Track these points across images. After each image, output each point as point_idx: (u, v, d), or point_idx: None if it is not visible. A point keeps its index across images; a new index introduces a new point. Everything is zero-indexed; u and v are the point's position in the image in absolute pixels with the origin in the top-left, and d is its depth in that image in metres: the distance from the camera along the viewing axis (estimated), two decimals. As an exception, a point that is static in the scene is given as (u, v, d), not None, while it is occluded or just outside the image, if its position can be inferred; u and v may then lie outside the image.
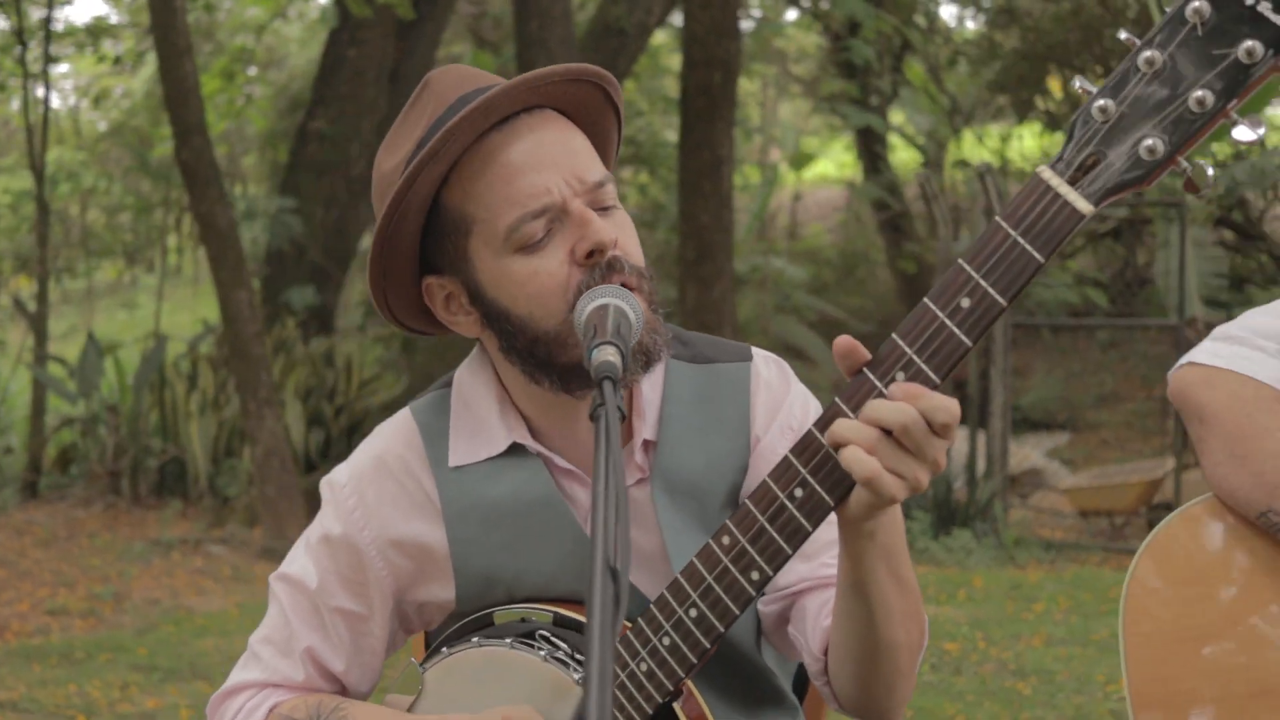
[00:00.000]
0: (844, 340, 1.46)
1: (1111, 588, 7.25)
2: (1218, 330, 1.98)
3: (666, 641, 1.62)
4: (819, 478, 1.49)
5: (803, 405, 1.86)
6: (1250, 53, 1.29)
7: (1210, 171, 1.34)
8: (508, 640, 1.78)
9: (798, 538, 1.52)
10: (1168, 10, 1.34)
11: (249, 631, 2.01)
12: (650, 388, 1.82)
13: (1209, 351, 1.95)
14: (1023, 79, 19.03)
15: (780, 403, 1.85)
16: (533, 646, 1.76)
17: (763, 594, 1.69)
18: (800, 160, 18.57)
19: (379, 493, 1.85)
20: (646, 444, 1.82)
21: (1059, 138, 19.82)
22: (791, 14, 17.95)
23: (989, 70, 19.11)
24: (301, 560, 1.89)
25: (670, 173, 14.43)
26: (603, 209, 1.70)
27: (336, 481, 1.87)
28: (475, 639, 1.81)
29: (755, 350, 1.88)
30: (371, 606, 1.87)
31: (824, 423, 1.49)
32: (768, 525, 1.53)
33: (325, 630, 1.87)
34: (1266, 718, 1.85)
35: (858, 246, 19.29)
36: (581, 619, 1.76)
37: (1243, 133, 1.33)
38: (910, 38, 17.24)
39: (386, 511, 1.84)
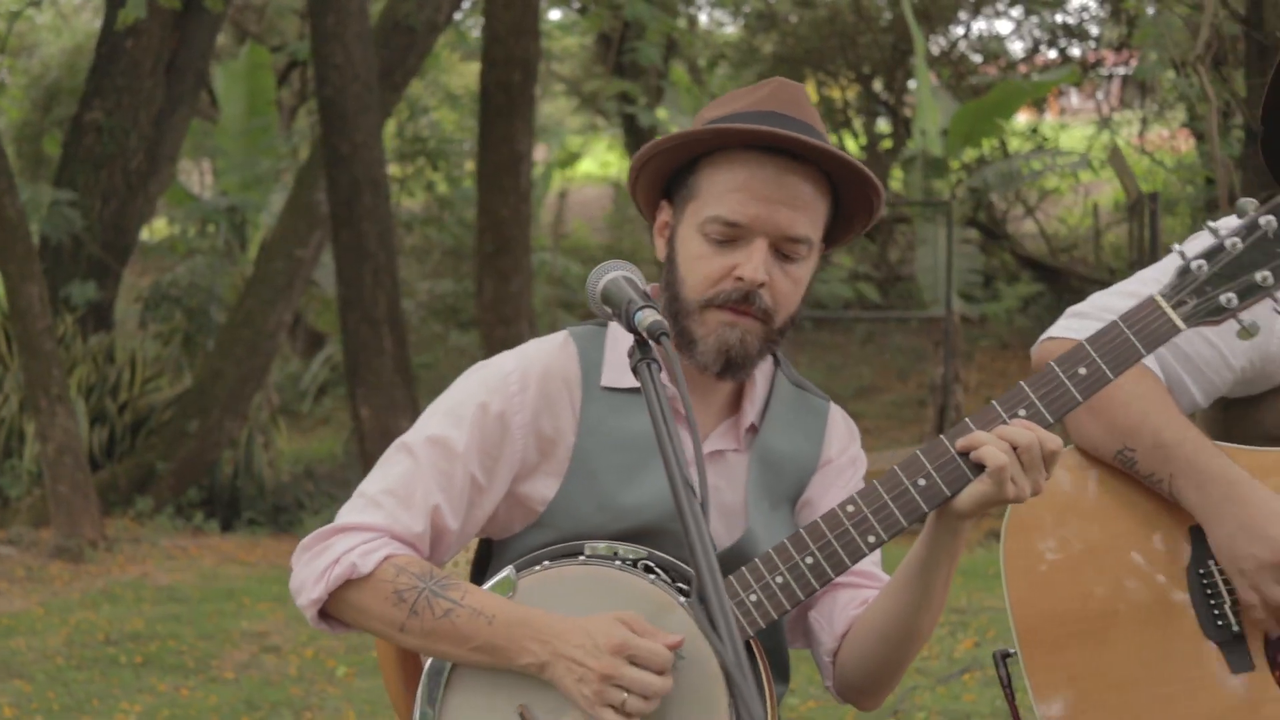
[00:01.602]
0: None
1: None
2: (1070, 310, 2.32)
3: (780, 580, 1.97)
4: (942, 474, 1.95)
5: (862, 460, 2.25)
6: None
7: (1254, 327, 1.98)
8: (615, 562, 2.02)
9: (913, 515, 1.96)
10: (1251, 215, 1.98)
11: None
12: (762, 383, 2.16)
13: (1064, 326, 2.28)
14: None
15: (849, 443, 2.24)
16: (636, 570, 2.01)
17: (871, 553, 2.01)
18: (566, 159, 18.86)
19: (539, 390, 2.09)
20: (751, 427, 2.15)
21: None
22: (555, 14, 18.22)
23: (749, 73, 19.70)
24: (446, 425, 2.08)
25: (457, 169, 14.55)
26: (786, 259, 2.04)
27: (504, 368, 2.12)
28: (580, 557, 2.03)
29: (833, 404, 2.25)
30: (493, 482, 2.08)
31: (954, 435, 1.96)
32: (890, 502, 1.96)
33: (454, 491, 2.07)
34: (1133, 634, 2.17)
35: (625, 245, 19.66)
36: (673, 560, 2.02)
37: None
38: (679, 39, 17.69)
39: (540, 405, 2.09)
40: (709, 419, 2.14)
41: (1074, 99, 24.21)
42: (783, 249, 2.02)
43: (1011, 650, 2.22)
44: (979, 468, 1.92)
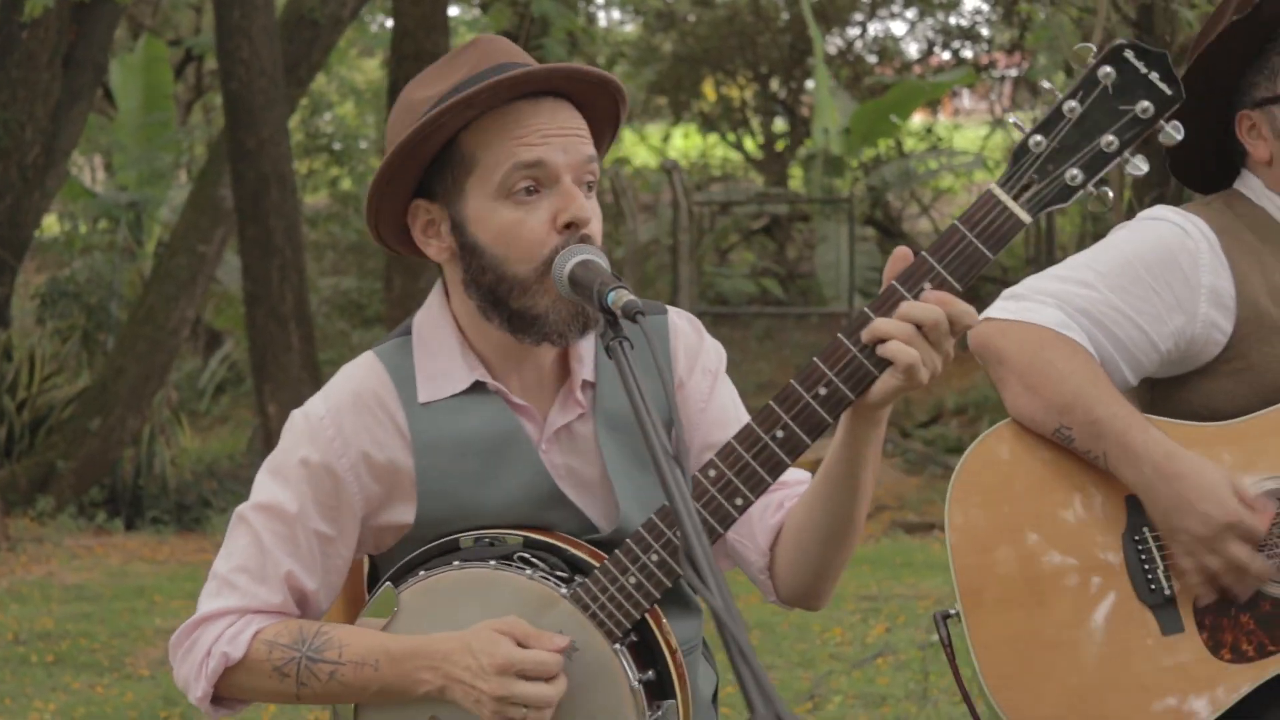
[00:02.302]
0: (903, 249, 1.83)
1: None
2: (1006, 292, 2.43)
3: (655, 558, 1.88)
4: (842, 376, 1.80)
5: (717, 352, 2.14)
6: (1145, 110, 1.75)
7: (1111, 195, 1.79)
8: (490, 561, 1.96)
9: (818, 429, 1.83)
10: (1087, 66, 1.77)
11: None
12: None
13: (1000, 308, 2.39)
14: (680, 82, 19.85)
15: (698, 350, 2.13)
16: (512, 566, 1.95)
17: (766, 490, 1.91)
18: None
19: (355, 424, 2.01)
20: (585, 384, 2.06)
21: (713, 139, 20.78)
22: (453, 9, 18.16)
23: (648, 72, 19.79)
24: (273, 489, 2.02)
25: (362, 164, 14.47)
26: (586, 185, 1.96)
27: (313, 414, 2.03)
28: (455, 561, 1.97)
29: (669, 307, 2.18)
30: (342, 529, 2.02)
31: (852, 329, 1.81)
32: (791, 421, 1.82)
33: (301, 554, 2.01)
34: (1071, 597, 2.26)
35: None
36: (553, 541, 2.00)
37: (1134, 168, 1.77)
38: (579, 38, 17.75)
39: (363, 441, 2.00)
40: (545, 395, 2.07)
41: (966, 100, 24.65)
42: (583, 178, 1.95)
43: (952, 611, 2.31)
44: (886, 361, 1.79)
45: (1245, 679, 2.22)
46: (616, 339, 1.75)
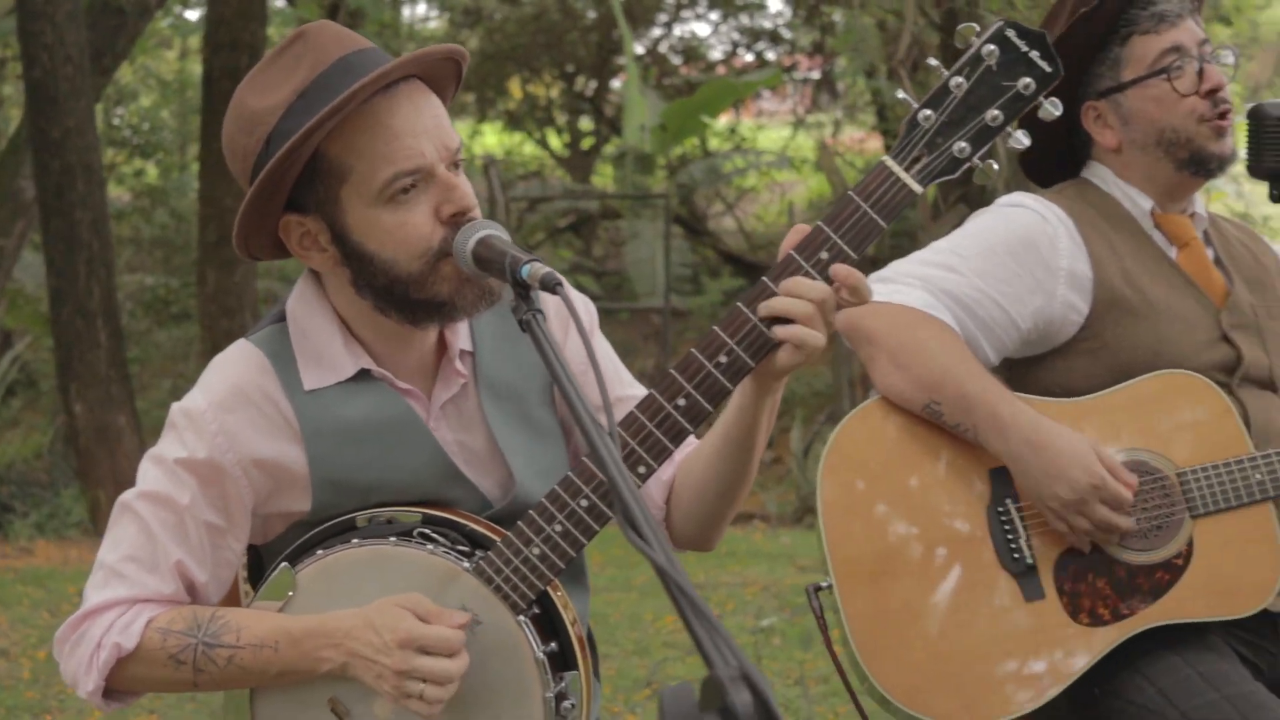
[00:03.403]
0: (801, 225, 1.89)
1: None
2: (873, 275, 2.52)
3: (559, 528, 1.91)
4: (743, 345, 1.86)
5: (585, 305, 2.14)
6: (1027, 86, 1.85)
7: (996, 168, 1.88)
8: (390, 538, 1.96)
9: (720, 396, 1.88)
10: (972, 44, 1.86)
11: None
12: None
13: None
14: (486, 79, 19.76)
15: (569, 315, 2.17)
16: (412, 542, 1.96)
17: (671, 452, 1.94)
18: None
19: (240, 418, 1.98)
20: (464, 354, 2.08)
21: (519, 136, 20.75)
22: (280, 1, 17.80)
23: (453, 68, 19.63)
24: (160, 479, 1.99)
25: (169, 156, 14.05)
26: (456, 169, 1.96)
27: (195, 409, 1.99)
28: (354, 539, 1.97)
29: None
30: (232, 520, 2.01)
31: (751, 298, 1.87)
32: (693, 390, 1.87)
33: (191, 544, 1.98)
34: (938, 567, 2.36)
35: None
36: (452, 517, 2.02)
37: (1016, 142, 1.87)
38: (385, 32, 17.55)
39: (248, 435, 1.98)
40: (427, 374, 2.08)
41: (768, 101, 25.09)
42: (454, 161, 1.95)
43: (824, 583, 2.39)
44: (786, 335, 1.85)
45: (1103, 641, 2.35)
46: (530, 312, 1.75)
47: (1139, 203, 2.54)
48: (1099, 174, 2.58)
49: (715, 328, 1.88)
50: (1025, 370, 2.55)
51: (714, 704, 1.17)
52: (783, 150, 18.77)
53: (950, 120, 1.85)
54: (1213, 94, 2.47)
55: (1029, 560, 2.37)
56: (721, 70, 20.03)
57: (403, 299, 1.95)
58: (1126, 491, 2.32)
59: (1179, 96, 2.47)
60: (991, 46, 1.83)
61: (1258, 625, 2.46)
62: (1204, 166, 2.50)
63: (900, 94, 1.96)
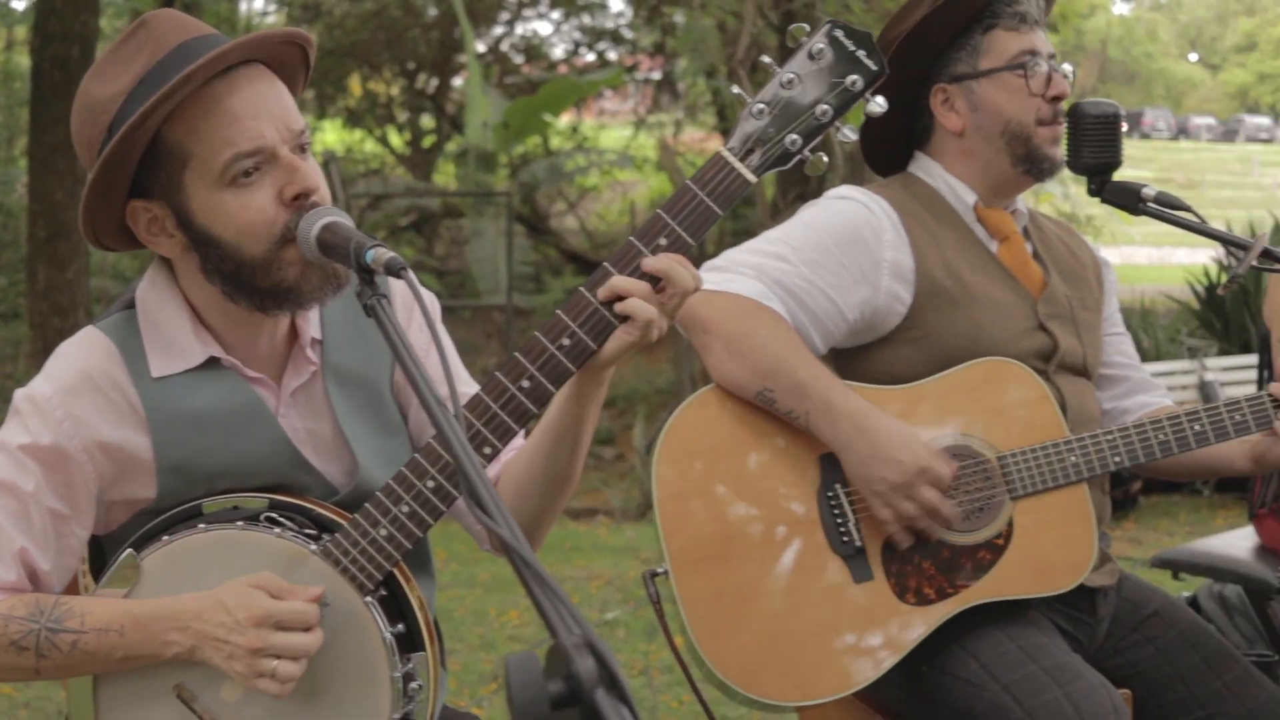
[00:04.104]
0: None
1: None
2: (706, 264, 2.59)
3: (406, 510, 1.93)
4: (585, 328, 1.90)
5: (433, 301, 2.14)
6: (854, 83, 1.94)
7: (826, 159, 1.96)
8: (237, 523, 1.97)
9: (563, 378, 1.92)
10: (803, 42, 1.94)
11: None
12: None
13: (703, 279, 2.56)
14: (325, 75, 19.52)
15: (412, 301, 2.19)
16: (259, 526, 1.98)
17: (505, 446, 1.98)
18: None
19: (86, 404, 1.98)
20: (315, 342, 2.10)
21: (360, 134, 20.54)
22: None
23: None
24: (5, 466, 1.98)
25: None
26: (300, 149, 1.97)
27: (40, 395, 1.98)
28: (200, 525, 1.97)
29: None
30: (76, 508, 2.00)
31: (594, 283, 1.91)
32: (537, 372, 1.91)
33: (34, 531, 1.98)
34: (771, 551, 2.43)
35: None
36: (299, 502, 2.03)
37: (845, 135, 1.96)
38: (222, 25, 17.23)
39: (94, 420, 1.98)
40: (277, 362, 2.10)
41: (609, 101, 25.20)
42: (298, 143, 1.96)
43: (660, 569, 2.44)
44: (624, 315, 1.90)
45: (928, 620, 2.44)
46: (375, 297, 1.77)
47: (963, 196, 2.65)
48: (925, 168, 2.69)
49: (559, 311, 1.92)
50: (852, 359, 2.64)
51: (559, 672, 1.20)
52: (624, 150, 18.90)
53: (782, 114, 1.93)
54: (1055, 100, 2.59)
55: (857, 543, 2.45)
56: (563, 69, 20.08)
57: (250, 285, 1.96)
58: (948, 474, 2.42)
59: (1028, 94, 2.57)
60: (821, 45, 1.93)
61: (1076, 600, 2.58)
62: (1036, 166, 2.60)
63: (735, 90, 2.00)
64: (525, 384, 1.91)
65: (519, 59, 20.78)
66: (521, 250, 14.97)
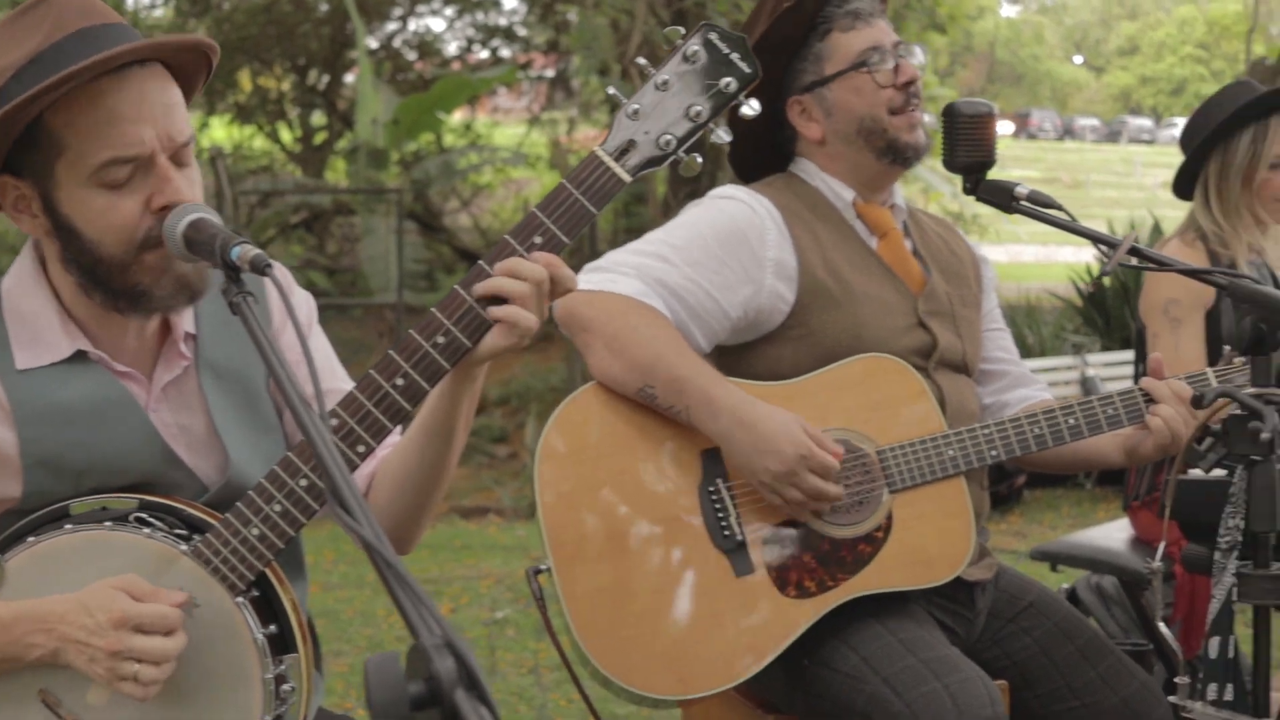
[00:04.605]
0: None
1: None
2: (588, 265, 2.60)
3: (278, 508, 1.91)
4: (460, 326, 1.90)
5: (306, 300, 2.20)
6: (728, 85, 1.96)
7: (700, 160, 1.98)
8: (106, 523, 1.94)
9: (437, 376, 1.91)
10: (678, 44, 1.96)
11: None
12: None
13: (584, 279, 2.55)
14: (215, 70, 19.18)
15: (291, 298, 2.16)
16: (128, 526, 1.94)
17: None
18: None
19: None
20: (189, 336, 2.09)
21: (250, 130, 20.27)
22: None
23: (181, 59, 19.03)
24: None
25: None
26: (182, 165, 1.96)
27: None
28: (67, 526, 1.94)
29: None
30: None
31: (469, 280, 1.91)
32: (411, 370, 1.90)
33: None
34: (654, 547, 2.44)
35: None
36: (170, 502, 2.00)
37: (719, 137, 1.98)
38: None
39: None
40: (148, 356, 2.08)
41: (503, 98, 25.12)
42: (179, 157, 1.95)
43: (544, 566, 2.44)
44: (499, 316, 1.90)
45: (809, 613, 2.46)
46: (240, 294, 1.76)
47: (841, 194, 2.67)
48: (804, 168, 2.71)
49: (433, 309, 1.92)
50: (736, 357, 2.65)
51: (420, 673, 1.20)
52: (518, 147, 18.84)
53: (657, 115, 1.94)
54: (907, 87, 2.62)
55: (739, 537, 2.47)
56: (457, 66, 19.97)
57: (105, 282, 1.96)
58: (833, 460, 2.43)
59: (877, 88, 2.61)
60: (696, 47, 1.94)
61: (955, 592, 2.62)
62: (900, 155, 2.64)
63: (611, 90, 2.03)
64: (399, 381, 1.90)
65: (412, 55, 20.64)
66: (414, 248, 14.86)
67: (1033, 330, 10.84)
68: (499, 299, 1.90)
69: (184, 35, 1.97)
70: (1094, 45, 65.48)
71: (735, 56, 1.95)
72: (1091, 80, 63.25)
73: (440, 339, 1.90)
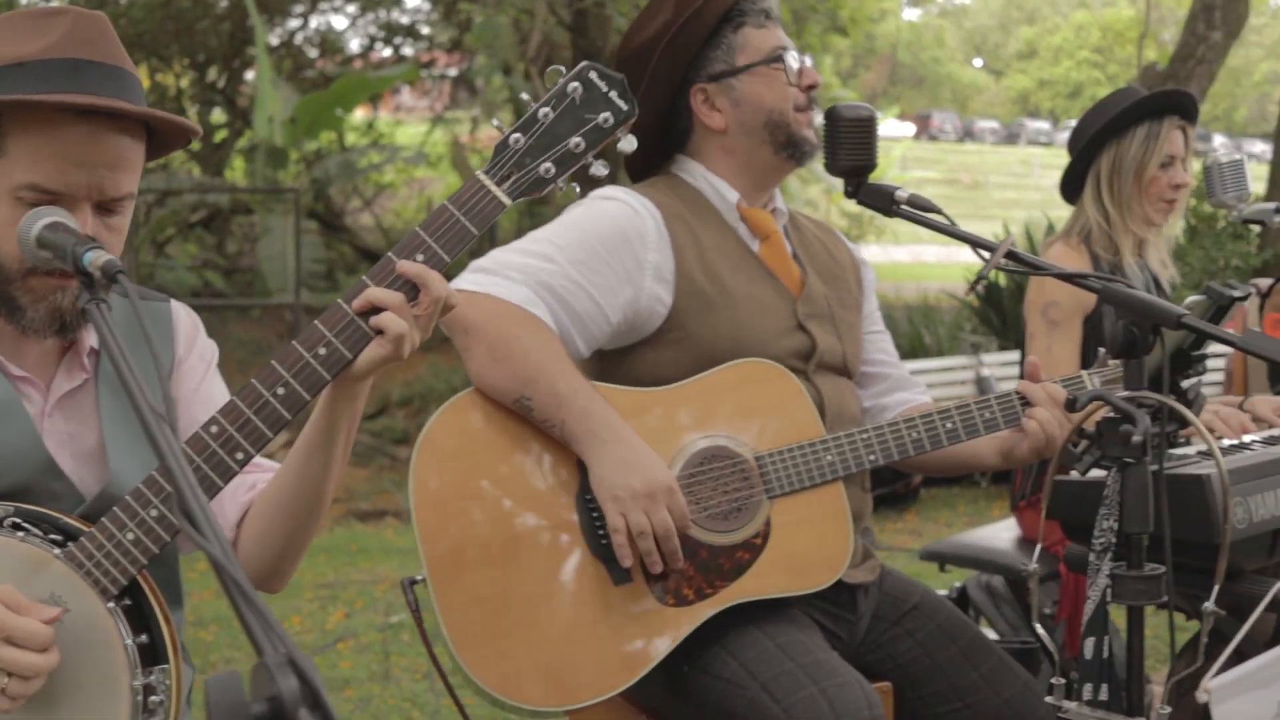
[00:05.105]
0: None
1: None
2: (473, 264, 2.57)
3: (154, 513, 1.92)
4: (341, 338, 1.93)
5: (211, 348, 2.25)
6: (606, 120, 2.04)
7: (579, 189, 2.06)
8: None
9: (318, 387, 1.94)
10: (560, 81, 2.03)
11: None
12: None
13: (469, 280, 2.53)
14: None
15: (195, 338, 2.24)
16: (2, 530, 1.93)
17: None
18: None
19: None
20: (92, 350, 2.11)
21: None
22: None
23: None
24: None
25: None
26: (109, 214, 2.00)
27: None
28: None
29: (171, 299, 2.25)
30: None
31: (351, 294, 1.94)
32: (292, 379, 1.92)
33: None
34: (532, 556, 2.43)
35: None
36: (45, 510, 1.97)
37: (596, 169, 2.06)
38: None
39: None
40: (49, 364, 2.09)
41: (407, 97, 24.95)
42: (108, 206, 1.99)
43: (418, 577, 2.41)
44: (379, 329, 1.93)
45: (688, 620, 2.45)
46: (94, 300, 1.76)
47: (725, 195, 2.67)
48: (688, 168, 2.70)
49: (316, 321, 1.95)
50: (616, 361, 2.64)
51: (262, 692, 1.17)
52: (420, 147, 18.72)
53: (537, 144, 2.03)
54: (810, 89, 2.67)
55: (617, 545, 2.45)
56: (359, 65, 19.81)
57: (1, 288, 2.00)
58: (686, 510, 2.42)
59: (785, 84, 2.64)
60: (575, 84, 2.03)
61: (837, 596, 2.63)
62: (799, 150, 2.67)
63: (495, 122, 2.09)
64: (280, 391, 1.92)
65: (314, 53, 20.43)
66: (314, 247, 14.71)
67: (930, 330, 10.96)
68: (380, 311, 1.93)
69: (175, 117, 1.99)
70: (993, 49, 66.45)
71: (614, 94, 2.05)
72: (991, 83, 64.18)
73: (321, 350, 1.93)
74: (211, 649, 5.80)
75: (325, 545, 8.00)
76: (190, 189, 16.57)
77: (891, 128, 35.21)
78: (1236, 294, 2.36)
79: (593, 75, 2.04)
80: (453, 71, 20.24)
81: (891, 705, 2.70)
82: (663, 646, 2.43)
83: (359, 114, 19.39)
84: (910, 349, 10.75)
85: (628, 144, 2.05)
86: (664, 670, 2.45)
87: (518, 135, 2.02)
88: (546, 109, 2.03)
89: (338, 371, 1.94)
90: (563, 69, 2.05)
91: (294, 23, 20.30)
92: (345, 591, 6.81)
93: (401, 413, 12.71)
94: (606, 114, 2.04)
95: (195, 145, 19.25)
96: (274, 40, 19.17)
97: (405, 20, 20.22)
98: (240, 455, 1.92)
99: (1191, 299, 2.37)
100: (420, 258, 1.96)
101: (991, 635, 4.86)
